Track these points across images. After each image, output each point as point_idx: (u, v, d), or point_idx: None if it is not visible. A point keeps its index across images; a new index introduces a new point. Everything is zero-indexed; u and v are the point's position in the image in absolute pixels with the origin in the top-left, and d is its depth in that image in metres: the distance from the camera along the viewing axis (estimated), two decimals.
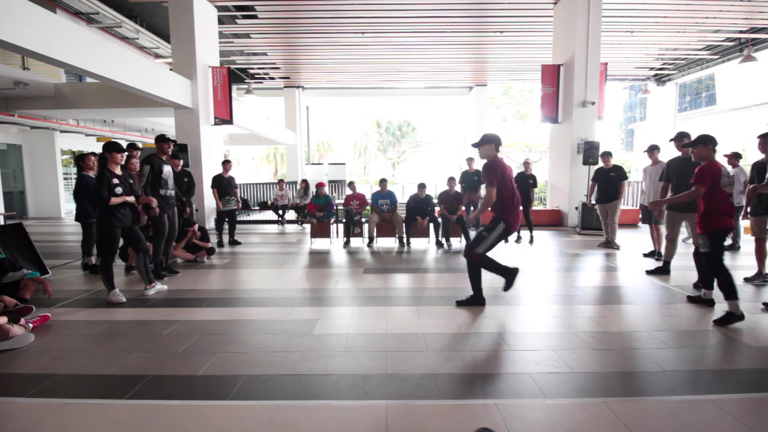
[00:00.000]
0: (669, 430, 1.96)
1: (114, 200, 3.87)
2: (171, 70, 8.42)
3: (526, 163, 7.72)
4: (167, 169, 4.89)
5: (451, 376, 2.48)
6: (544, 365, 2.61)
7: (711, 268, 3.48)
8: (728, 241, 6.23)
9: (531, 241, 7.27)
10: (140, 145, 5.65)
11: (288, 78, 16.17)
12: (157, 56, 12.37)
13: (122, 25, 10.05)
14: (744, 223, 6.65)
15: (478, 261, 3.62)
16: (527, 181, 7.42)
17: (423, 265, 5.64)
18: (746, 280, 4.49)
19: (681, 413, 2.10)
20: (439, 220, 7.04)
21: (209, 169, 8.85)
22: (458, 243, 7.06)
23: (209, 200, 8.71)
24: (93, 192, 4.17)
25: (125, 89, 7.16)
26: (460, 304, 3.80)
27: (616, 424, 1.99)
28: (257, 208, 12.16)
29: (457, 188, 7.26)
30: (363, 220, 7.45)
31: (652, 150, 5.76)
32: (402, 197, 11.42)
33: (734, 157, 6.34)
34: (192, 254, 5.81)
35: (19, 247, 4.80)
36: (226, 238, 7.23)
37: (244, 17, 9.99)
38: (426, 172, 26.89)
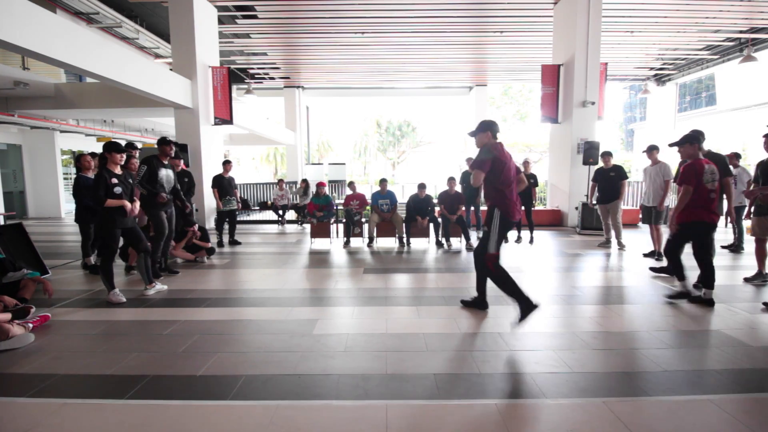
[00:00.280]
0: (669, 430, 1.96)
1: (110, 202, 3.84)
2: (171, 70, 8.42)
3: (526, 163, 7.71)
4: (165, 173, 4.81)
5: (451, 376, 2.48)
6: (544, 365, 2.61)
7: (665, 250, 3.91)
8: (724, 243, 6.24)
9: (531, 241, 7.27)
10: (139, 145, 5.65)
11: (288, 78, 16.17)
12: (157, 56, 12.37)
13: (122, 25, 10.05)
14: (746, 223, 6.63)
15: (491, 271, 3.26)
16: (528, 180, 7.41)
17: (423, 265, 5.64)
18: (746, 280, 4.49)
19: (681, 413, 2.10)
20: (439, 220, 7.04)
21: (209, 169, 8.86)
22: (458, 243, 7.06)
23: (209, 200, 8.71)
24: (90, 192, 4.16)
25: (125, 89, 7.16)
26: (465, 304, 3.77)
27: (616, 424, 1.99)
28: (257, 208, 12.17)
29: (458, 188, 7.25)
30: (363, 220, 7.45)
31: (651, 150, 5.75)
32: (402, 197, 11.43)
33: (735, 158, 6.34)
34: (192, 254, 5.81)
35: (19, 247, 4.80)
36: (226, 238, 7.23)
37: (244, 17, 9.99)
38: (426, 172, 26.89)
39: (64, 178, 13.22)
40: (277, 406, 2.17)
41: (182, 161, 5.80)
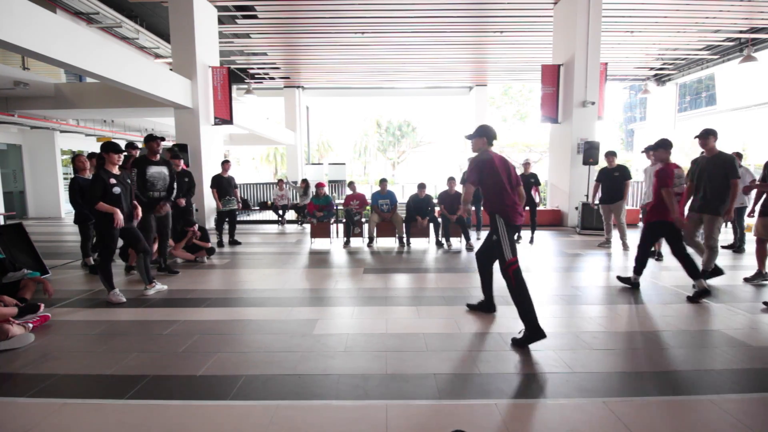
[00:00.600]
0: (669, 430, 1.96)
1: (102, 206, 3.79)
2: (171, 70, 8.42)
3: (526, 164, 7.71)
4: (154, 170, 4.70)
5: (451, 376, 2.48)
6: (544, 365, 2.61)
7: (639, 245, 4.27)
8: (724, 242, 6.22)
9: (531, 241, 7.27)
10: (140, 145, 5.64)
11: (288, 78, 16.17)
12: (157, 56, 12.37)
13: (122, 25, 10.05)
14: (749, 221, 6.62)
15: (512, 282, 3.04)
16: (528, 180, 7.40)
17: (423, 265, 5.64)
18: (746, 280, 4.49)
19: (681, 413, 2.10)
20: (439, 220, 7.04)
21: (209, 169, 8.86)
22: (458, 243, 7.06)
23: (209, 200, 8.71)
24: (86, 192, 4.11)
25: (125, 89, 7.16)
26: (471, 308, 3.68)
27: (616, 424, 1.99)
28: (257, 208, 12.17)
29: (458, 188, 7.25)
30: (363, 220, 7.45)
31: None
32: (402, 197, 11.43)
33: (737, 158, 6.32)
34: (192, 254, 5.81)
35: (19, 247, 4.80)
36: (226, 238, 7.23)
37: (244, 17, 9.99)
38: (426, 172, 26.88)
39: (64, 179, 13.22)
40: (277, 406, 2.17)
41: (182, 161, 5.79)
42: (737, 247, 6.29)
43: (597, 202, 6.71)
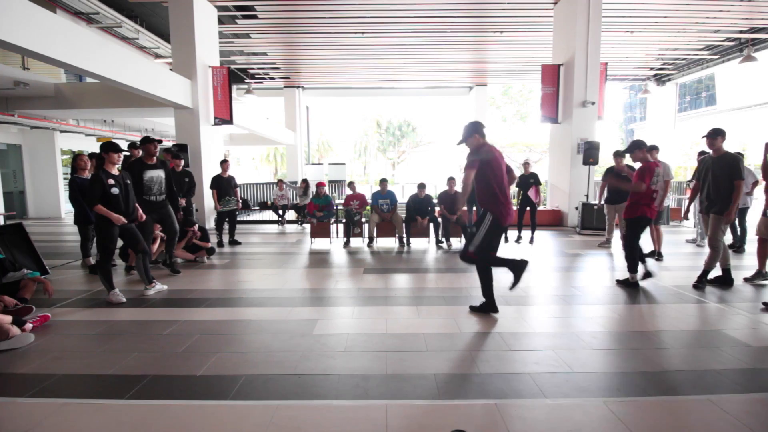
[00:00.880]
0: (669, 430, 1.96)
1: (100, 209, 3.77)
2: (171, 70, 8.42)
3: (526, 164, 7.71)
4: (151, 174, 4.65)
5: (451, 376, 2.48)
6: (544, 365, 2.61)
7: (624, 245, 4.45)
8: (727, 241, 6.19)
9: (531, 241, 7.27)
10: None
11: (288, 78, 16.17)
12: (157, 56, 12.37)
13: (122, 25, 10.05)
14: (750, 221, 6.61)
15: (475, 260, 3.35)
16: (528, 180, 7.41)
17: (423, 265, 5.64)
18: (746, 279, 4.49)
19: (681, 413, 2.10)
20: (439, 220, 7.04)
21: (209, 169, 8.86)
22: (458, 243, 7.06)
23: (209, 200, 8.71)
24: (85, 192, 4.09)
25: (125, 89, 7.16)
26: (473, 309, 3.62)
27: (616, 424, 1.99)
28: (257, 208, 12.17)
29: (458, 188, 7.25)
30: (363, 220, 7.45)
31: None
32: (402, 197, 11.43)
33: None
34: (192, 254, 5.80)
35: (19, 247, 4.80)
36: (226, 238, 7.22)
37: (244, 17, 9.99)
38: (426, 172, 26.91)
39: (64, 179, 13.22)
40: (277, 406, 2.17)
41: (182, 161, 5.79)
42: (737, 247, 6.29)
43: (603, 202, 6.69)
